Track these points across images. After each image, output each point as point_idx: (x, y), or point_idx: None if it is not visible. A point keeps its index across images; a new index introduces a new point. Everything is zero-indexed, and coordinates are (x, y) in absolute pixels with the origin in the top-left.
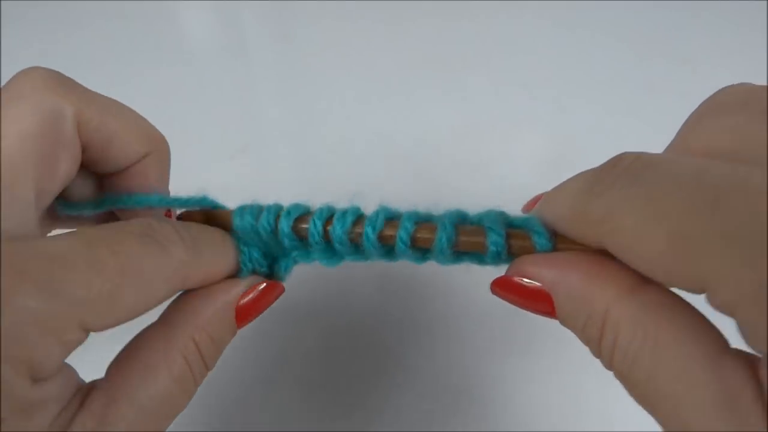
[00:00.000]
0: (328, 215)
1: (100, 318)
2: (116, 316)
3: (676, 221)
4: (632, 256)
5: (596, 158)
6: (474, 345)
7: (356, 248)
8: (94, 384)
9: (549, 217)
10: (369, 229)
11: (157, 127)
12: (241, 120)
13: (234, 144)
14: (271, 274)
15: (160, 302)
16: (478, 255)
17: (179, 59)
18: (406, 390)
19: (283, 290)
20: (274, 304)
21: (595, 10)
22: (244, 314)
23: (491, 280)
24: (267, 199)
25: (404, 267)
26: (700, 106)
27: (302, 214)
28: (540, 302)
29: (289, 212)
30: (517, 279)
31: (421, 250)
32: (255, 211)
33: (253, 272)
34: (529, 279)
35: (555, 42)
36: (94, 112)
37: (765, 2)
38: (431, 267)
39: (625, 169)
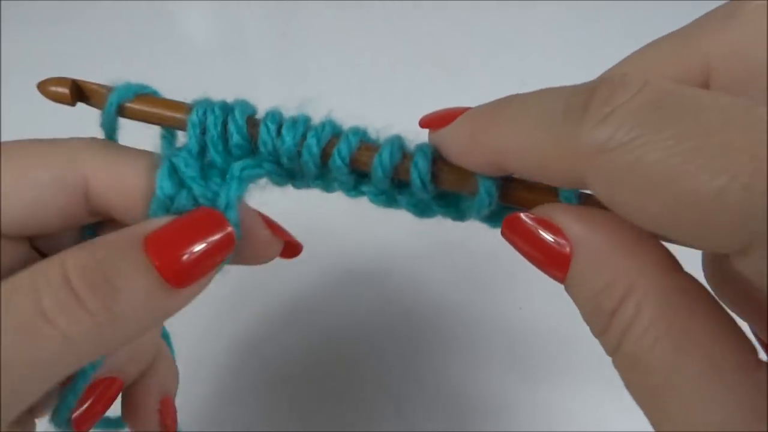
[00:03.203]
0: (279, 121)
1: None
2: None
3: (738, 165)
4: (648, 199)
5: None
6: (475, 354)
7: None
8: None
9: (494, 145)
10: (313, 141)
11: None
12: None
13: None
14: None
15: (60, 193)
16: (457, 201)
17: (179, 59)
18: (406, 399)
19: (227, 229)
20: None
21: (595, 10)
22: (164, 249)
23: (507, 216)
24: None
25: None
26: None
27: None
28: (555, 255)
29: (242, 108)
30: (545, 218)
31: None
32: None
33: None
34: (555, 226)
35: (555, 41)
36: (107, 181)
37: (765, 2)
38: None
39: (639, 92)
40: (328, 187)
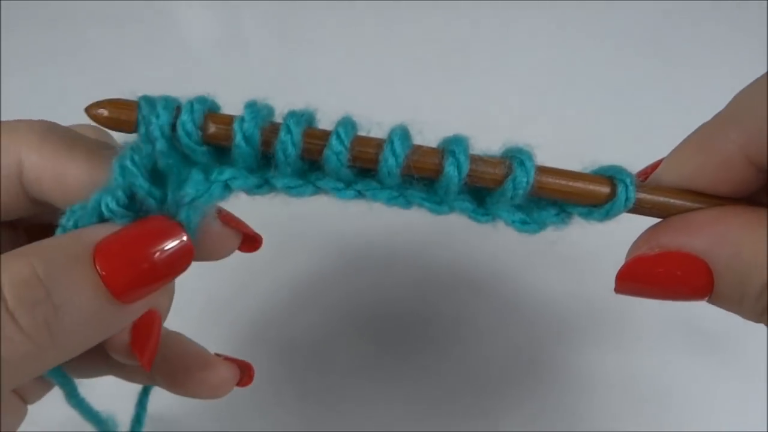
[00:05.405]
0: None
1: None
2: None
3: None
4: None
5: (597, 156)
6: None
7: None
8: None
9: (736, 135)
10: (289, 133)
11: None
12: None
13: None
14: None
15: None
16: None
17: (179, 59)
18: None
19: (183, 241)
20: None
21: (596, 10)
22: (115, 264)
23: (617, 272)
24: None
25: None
26: None
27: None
28: (693, 277)
29: (256, 106)
30: (666, 251)
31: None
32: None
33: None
34: (683, 255)
35: (556, 41)
36: (50, 171)
37: (765, 2)
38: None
39: None
40: (304, 189)
